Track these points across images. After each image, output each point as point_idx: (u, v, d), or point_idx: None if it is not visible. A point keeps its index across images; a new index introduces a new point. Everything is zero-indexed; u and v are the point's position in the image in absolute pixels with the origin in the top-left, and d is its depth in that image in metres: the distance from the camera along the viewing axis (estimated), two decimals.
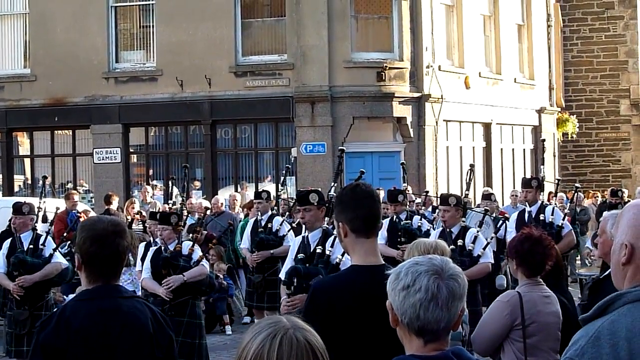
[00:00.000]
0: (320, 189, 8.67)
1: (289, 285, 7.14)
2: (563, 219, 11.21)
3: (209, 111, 21.73)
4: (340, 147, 10.74)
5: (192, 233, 10.40)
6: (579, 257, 19.10)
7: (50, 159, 23.72)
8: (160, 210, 13.46)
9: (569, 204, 15.89)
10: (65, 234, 11.51)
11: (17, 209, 9.57)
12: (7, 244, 9.47)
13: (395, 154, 21.31)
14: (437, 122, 21.79)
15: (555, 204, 12.34)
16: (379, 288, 2.93)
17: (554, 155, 26.69)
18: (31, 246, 9.26)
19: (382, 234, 10.87)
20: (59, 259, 9.34)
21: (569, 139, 28.77)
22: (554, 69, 27.36)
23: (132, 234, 11.56)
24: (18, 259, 9.12)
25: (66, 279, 9.57)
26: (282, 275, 7.72)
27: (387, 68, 21.00)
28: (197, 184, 22.13)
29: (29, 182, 23.90)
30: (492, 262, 9.55)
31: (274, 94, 21.23)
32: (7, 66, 23.72)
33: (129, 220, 14.49)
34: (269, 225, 11.23)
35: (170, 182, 19.40)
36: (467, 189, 11.40)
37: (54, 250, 9.33)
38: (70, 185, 22.87)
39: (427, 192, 17.38)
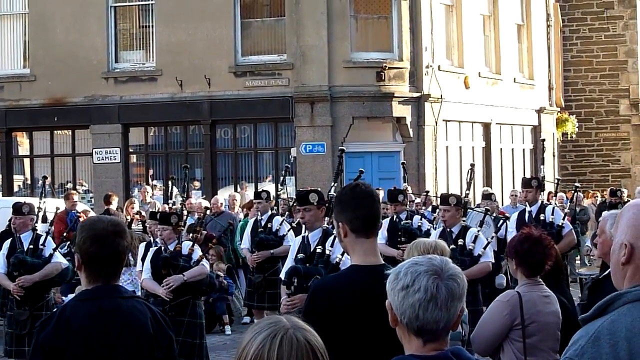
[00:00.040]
0: (319, 189, 8.68)
1: (289, 285, 7.14)
2: (563, 219, 11.21)
3: (208, 111, 21.74)
4: (340, 147, 10.75)
5: (192, 233, 10.40)
6: (578, 257, 19.10)
7: (50, 159, 23.72)
8: (160, 210, 13.47)
9: (568, 204, 15.90)
10: (65, 234, 11.51)
11: (17, 209, 9.57)
12: (7, 244, 9.46)
13: (394, 154, 21.31)
14: (436, 122, 21.80)
15: (556, 203, 12.34)
16: (378, 288, 2.93)
17: (554, 155, 26.69)
18: (31, 246, 9.25)
19: (383, 233, 10.88)
20: (59, 259, 9.34)
21: (569, 138, 28.78)
22: (553, 68, 27.36)
23: (132, 234, 11.57)
24: (18, 259, 9.12)
25: (66, 278, 9.57)
26: (282, 276, 7.72)
27: (387, 68, 21.01)
28: (197, 184, 22.13)
29: (29, 182, 23.90)
30: (493, 261, 9.56)
31: (273, 94, 21.23)
32: (6, 66, 23.72)
33: (129, 220, 14.49)
34: (269, 225, 11.23)
35: (170, 182, 19.40)
36: (468, 189, 11.41)
37: (54, 250, 9.33)
38: (69, 186, 22.88)
39: (428, 192, 17.39)
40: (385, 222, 11.08)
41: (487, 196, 15.78)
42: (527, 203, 11.56)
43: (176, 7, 21.85)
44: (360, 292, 3.80)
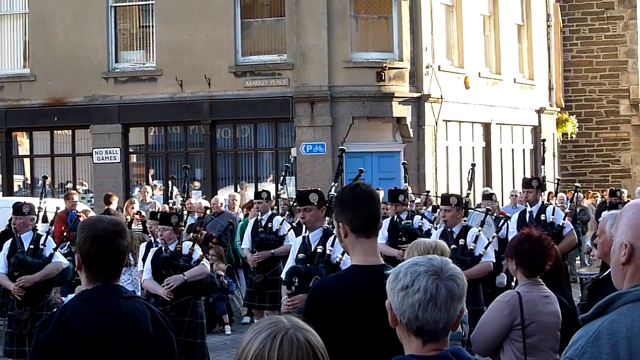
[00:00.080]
0: (320, 189, 8.68)
1: (289, 285, 7.14)
2: (564, 219, 11.21)
3: (208, 111, 21.74)
4: (340, 147, 10.74)
5: (192, 233, 10.40)
6: (578, 257, 19.11)
7: (50, 159, 23.72)
8: (160, 210, 13.46)
9: (569, 204, 15.91)
10: (65, 234, 11.51)
11: (17, 209, 9.56)
12: (7, 244, 9.46)
13: (394, 154, 21.31)
14: (436, 122, 21.80)
15: (556, 204, 12.34)
16: (378, 288, 2.93)
17: (554, 155, 26.70)
18: (32, 246, 9.25)
19: (383, 233, 10.88)
20: (60, 259, 9.34)
21: (569, 139, 28.79)
22: (553, 69, 27.36)
23: (132, 234, 11.56)
24: (18, 259, 9.12)
25: (67, 278, 9.57)
26: (283, 276, 7.73)
27: (387, 68, 21.01)
28: (197, 184, 22.13)
29: (29, 182, 23.90)
30: (494, 261, 9.57)
31: (273, 94, 21.24)
32: (6, 66, 23.73)
33: (129, 220, 14.49)
34: (269, 225, 11.23)
35: (170, 182, 19.40)
36: (469, 188, 11.41)
37: (54, 250, 9.33)
38: (69, 185, 22.88)
39: (429, 191, 17.40)
40: (385, 222, 11.09)
41: (487, 196, 15.78)
42: (527, 203, 11.56)
43: (176, 7, 21.85)
44: (360, 292, 3.80)
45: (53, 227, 11.19)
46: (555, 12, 27.78)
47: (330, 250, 7.38)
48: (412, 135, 21.34)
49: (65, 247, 11.59)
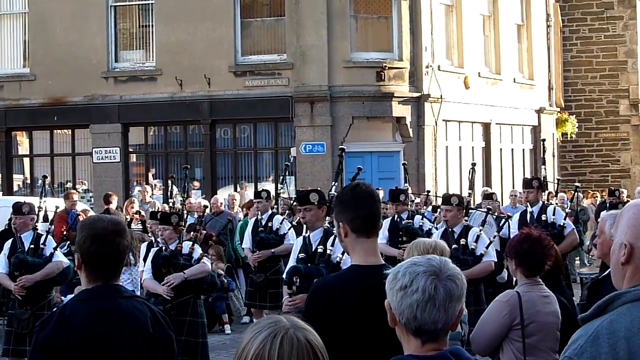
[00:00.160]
0: (319, 189, 8.68)
1: (290, 285, 7.14)
2: (565, 219, 11.21)
3: (208, 111, 21.74)
4: (340, 147, 10.75)
5: (192, 232, 10.40)
6: (578, 257, 19.11)
7: (50, 158, 23.72)
8: (160, 210, 13.46)
9: (569, 204, 15.90)
10: (65, 233, 11.51)
11: (17, 209, 9.57)
12: (8, 244, 9.47)
13: (394, 153, 21.32)
14: (436, 122, 21.80)
15: (556, 204, 12.33)
16: (378, 288, 2.93)
17: (554, 155, 26.69)
18: (32, 246, 9.25)
19: (384, 233, 10.88)
20: (60, 258, 9.35)
21: (568, 139, 28.78)
22: (553, 69, 27.37)
23: (132, 234, 11.57)
24: (19, 259, 9.12)
25: (68, 277, 9.57)
26: (284, 275, 7.73)
27: (387, 68, 21.01)
28: (197, 183, 22.13)
29: (28, 181, 23.91)
30: (495, 260, 9.57)
31: (273, 93, 21.24)
32: (6, 66, 23.73)
33: (128, 220, 14.49)
34: (269, 225, 11.23)
35: (169, 182, 19.41)
36: (470, 188, 11.41)
37: (55, 249, 9.33)
38: (69, 185, 22.88)
39: (429, 191, 17.40)
40: (386, 222, 11.09)
41: (488, 196, 15.77)
42: (528, 203, 11.55)
43: (176, 7, 21.85)
44: (360, 292, 3.80)
45: (53, 227, 11.18)
46: (555, 12, 27.78)
47: (331, 250, 7.38)
48: (411, 135, 21.34)
49: (65, 247, 11.59)
